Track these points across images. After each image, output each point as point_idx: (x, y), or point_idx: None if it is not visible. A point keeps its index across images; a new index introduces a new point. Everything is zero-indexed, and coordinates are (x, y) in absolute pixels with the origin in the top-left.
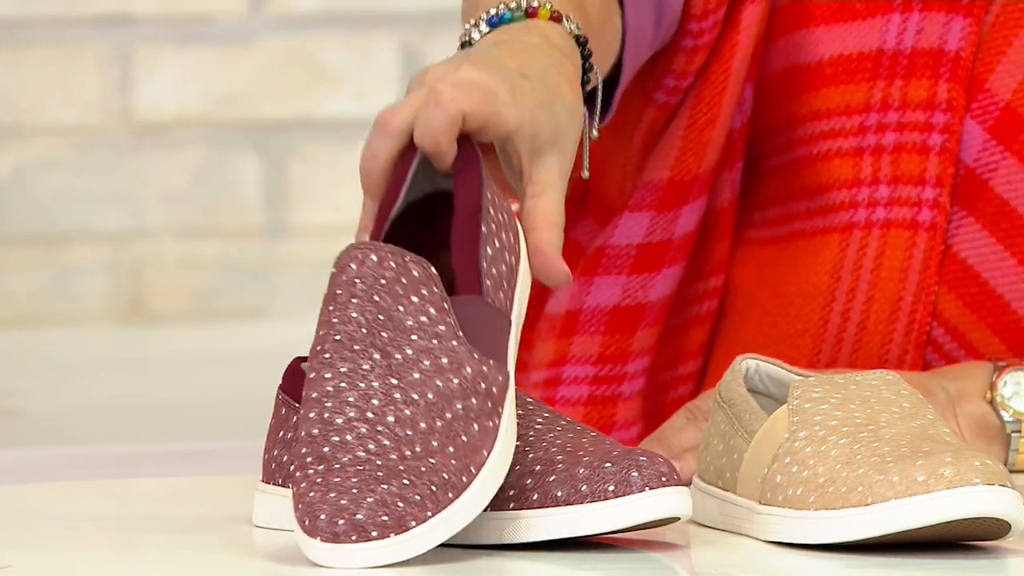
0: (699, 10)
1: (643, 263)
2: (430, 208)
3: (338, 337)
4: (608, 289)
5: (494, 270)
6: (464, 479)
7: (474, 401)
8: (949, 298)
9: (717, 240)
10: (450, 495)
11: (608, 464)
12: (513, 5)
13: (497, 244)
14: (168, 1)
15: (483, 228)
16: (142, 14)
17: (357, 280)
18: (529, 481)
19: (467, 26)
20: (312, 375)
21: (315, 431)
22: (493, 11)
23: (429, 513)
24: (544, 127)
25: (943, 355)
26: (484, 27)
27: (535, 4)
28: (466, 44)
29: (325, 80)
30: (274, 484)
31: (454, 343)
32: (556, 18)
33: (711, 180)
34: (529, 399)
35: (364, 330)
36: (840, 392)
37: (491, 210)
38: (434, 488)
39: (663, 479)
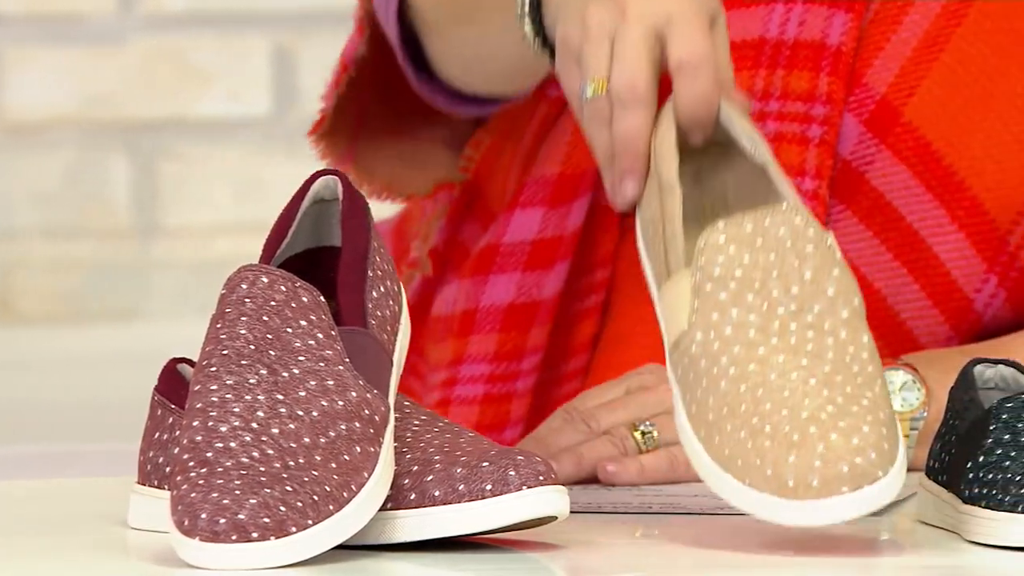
0: None
1: (537, 260)
2: (314, 261)
3: (226, 352)
4: (503, 287)
5: (379, 312)
6: (345, 494)
7: (357, 425)
8: None
9: (604, 232)
10: (331, 507)
11: (486, 463)
12: None
13: (382, 289)
14: (37, 0)
15: (369, 272)
16: (10, 13)
17: (247, 300)
18: (406, 481)
19: None
20: (197, 387)
21: (198, 438)
22: None
23: (310, 521)
24: None
25: None
26: None
27: None
28: None
29: (197, 80)
30: (149, 486)
31: (340, 368)
32: None
33: (595, 176)
34: (407, 402)
35: (252, 347)
36: (755, 273)
37: (377, 258)
38: (316, 498)
39: (540, 478)
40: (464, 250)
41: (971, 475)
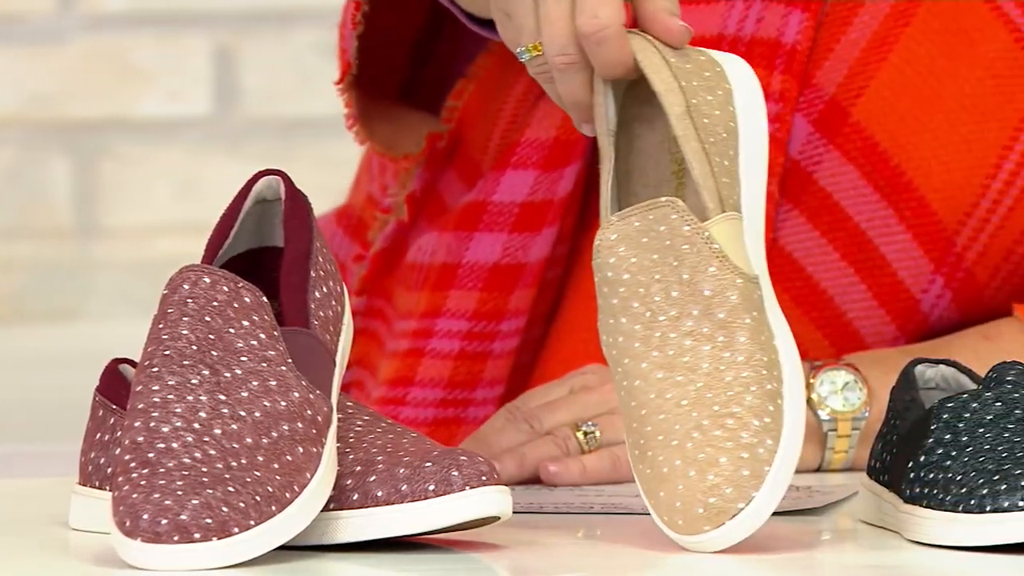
0: None
1: (525, 222)
2: (257, 261)
3: (168, 352)
4: (488, 246)
5: (321, 313)
6: (288, 495)
7: (300, 425)
8: (775, 292)
9: (559, 180)
10: (273, 508)
11: (429, 464)
12: None
13: (325, 290)
14: None
15: (312, 273)
16: None
17: (189, 300)
18: (349, 482)
19: None
20: (139, 388)
21: (140, 439)
22: None
23: (252, 522)
24: None
25: None
26: None
27: None
28: None
29: (137, 80)
30: (91, 487)
31: (283, 368)
32: None
33: (588, 143)
34: (349, 402)
35: (194, 347)
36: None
37: (319, 258)
38: (258, 499)
39: (483, 478)
40: (439, 198)
41: (912, 475)
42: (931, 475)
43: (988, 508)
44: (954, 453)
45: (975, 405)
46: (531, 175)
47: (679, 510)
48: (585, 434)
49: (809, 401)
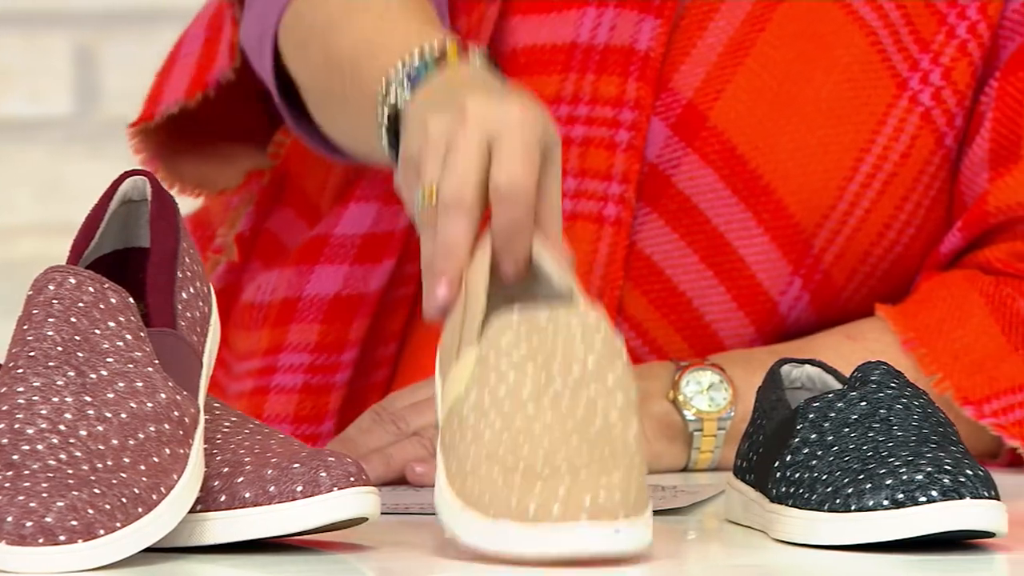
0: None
1: (366, 254)
2: (123, 262)
3: (32, 354)
4: (329, 278)
5: (188, 314)
6: (154, 497)
7: (167, 426)
8: (634, 295)
9: (402, 211)
10: (140, 510)
11: (296, 465)
12: (422, 60)
13: (192, 290)
14: None
15: (179, 274)
16: None
17: (55, 301)
18: (217, 483)
19: (380, 92)
20: (3, 389)
21: (4, 441)
22: (403, 70)
23: (118, 524)
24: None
25: (628, 353)
26: (406, 90)
27: (436, 46)
28: (392, 109)
29: None
30: None
31: (150, 369)
32: (463, 49)
33: None
34: (216, 404)
35: (60, 348)
36: (535, 358)
37: (186, 259)
38: (124, 501)
39: (351, 479)
40: (272, 237)
41: (778, 474)
42: (797, 474)
43: (853, 507)
44: (820, 452)
45: (840, 405)
46: (373, 208)
47: (560, 498)
48: None
49: (675, 401)
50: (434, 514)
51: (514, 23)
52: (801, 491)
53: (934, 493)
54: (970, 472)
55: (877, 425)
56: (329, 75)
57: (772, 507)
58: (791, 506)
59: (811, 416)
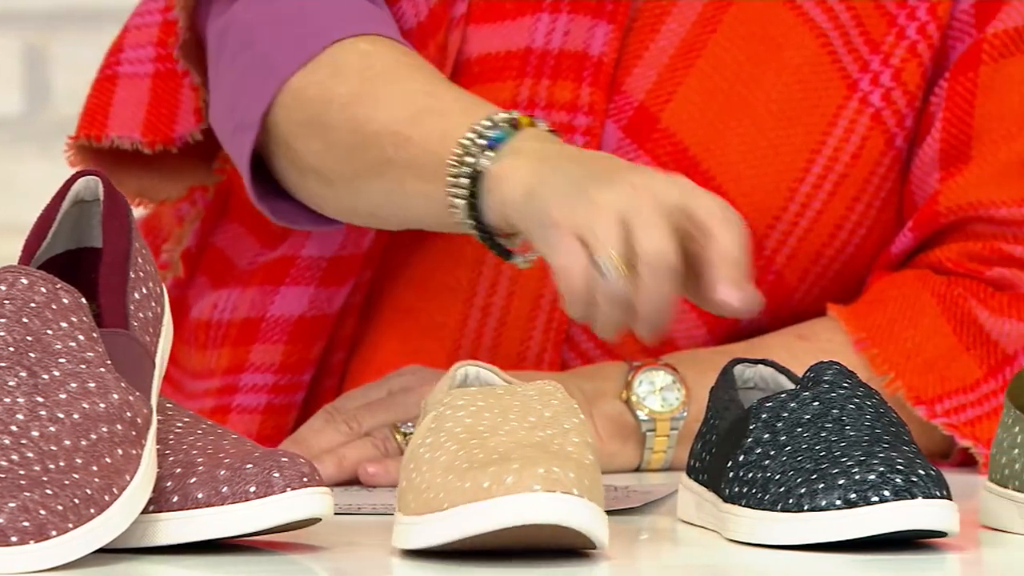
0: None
1: (333, 276)
2: (75, 263)
3: None
4: (295, 299)
5: (141, 314)
6: (107, 498)
7: (119, 427)
8: None
9: (372, 236)
10: (92, 511)
11: (249, 465)
12: (495, 125)
13: (144, 291)
14: None
15: (131, 274)
16: None
17: (6, 301)
18: (169, 484)
19: (455, 158)
20: None
21: None
22: (475, 136)
23: (71, 525)
24: None
25: (580, 354)
26: (487, 154)
27: (514, 116)
28: (472, 173)
29: None
30: None
31: (102, 370)
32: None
33: None
34: (169, 404)
35: (12, 349)
36: (487, 401)
37: (139, 259)
38: (77, 501)
39: (304, 480)
40: (218, 253)
41: (731, 474)
42: (750, 474)
43: (806, 507)
44: (772, 452)
45: (793, 405)
46: (342, 231)
47: (514, 471)
48: (404, 435)
49: (628, 401)
50: (387, 514)
51: (468, 32)
52: (754, 491)
53: (886, 493)
54: (922, 472)
55: (830, 425)
56: (359, 147)
57: (725, 507)
58: (744, 506)
59: (764, 416)
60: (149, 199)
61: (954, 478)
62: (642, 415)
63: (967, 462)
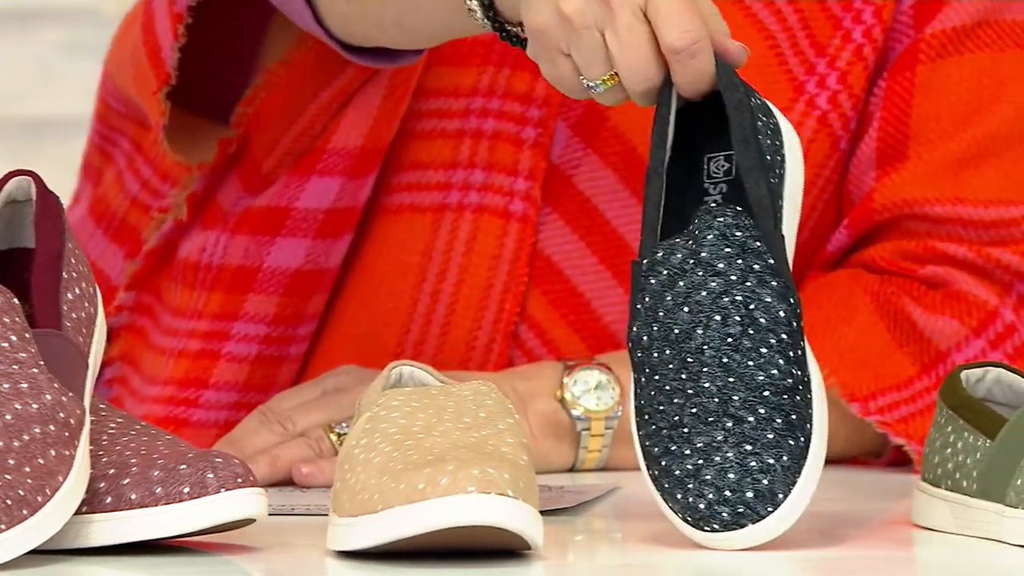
0: None
1: (328, 228)
2: (7, 263)
3: None
4: (291, 251)
5: (74, 315)
6: (40, 499)
7: (52, 428)
8: (535, 294)
9: (364, 187)
10: (25, 512)
11: (184, 466)
12: None
13: (78, 291)
14: None
15: (64, 274)
16: None
17: None
18: (102, 485)
19: None
20: None
21: None
22: None
23: (3, 526)
24: None
25: (526, 353)
26: None
27: None
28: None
29: None
30: None
31: (35, 371)
32: None
33: (386, 150)
34: (102, 405)
35: None
36: (421, 401)
37: (72, 260)
38: (9, 502)
39: (239, 480)
40: (216, 207)
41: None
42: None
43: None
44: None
45: None
46: (337, 182)
47: (449, 472)
48: (338, 435)
49: (562, 400)
50: (322, 515)
51: None
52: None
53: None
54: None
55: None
56: None
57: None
58: None
59: None
60: (190, 161)
61: (888, 477)
62: (577, 413)
63: (901, 460)
